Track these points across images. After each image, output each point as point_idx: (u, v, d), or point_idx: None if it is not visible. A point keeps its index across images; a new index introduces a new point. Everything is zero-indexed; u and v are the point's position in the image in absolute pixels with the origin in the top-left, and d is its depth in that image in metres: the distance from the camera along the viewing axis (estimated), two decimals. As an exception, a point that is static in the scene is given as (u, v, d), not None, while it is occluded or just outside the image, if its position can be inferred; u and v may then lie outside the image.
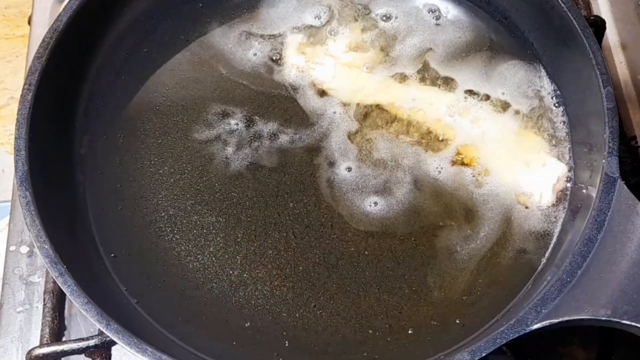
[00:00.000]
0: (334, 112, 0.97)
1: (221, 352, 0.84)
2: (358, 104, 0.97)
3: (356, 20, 1.05)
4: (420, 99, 0.98)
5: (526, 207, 0.91)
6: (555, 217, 0.90)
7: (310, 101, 0.99)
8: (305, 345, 0.84)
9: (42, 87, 0.88)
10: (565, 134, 0.95)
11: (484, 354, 0.73)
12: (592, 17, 1.08)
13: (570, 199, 0.90)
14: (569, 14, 0.90)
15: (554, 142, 0.95)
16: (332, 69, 1.01)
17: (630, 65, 1.13)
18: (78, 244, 0.88)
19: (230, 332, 0.85)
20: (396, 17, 1.05)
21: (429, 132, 0.95)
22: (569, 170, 0.92)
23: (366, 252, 0.89)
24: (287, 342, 0.84)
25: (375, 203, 0.91)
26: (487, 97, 0.98)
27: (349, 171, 0.93)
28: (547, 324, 0.74)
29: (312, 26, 1.05)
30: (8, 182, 1.07)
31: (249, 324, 0.86)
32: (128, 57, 1.03)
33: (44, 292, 0.94)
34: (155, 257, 0.90)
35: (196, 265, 0.89)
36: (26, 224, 0.80)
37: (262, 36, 1.04)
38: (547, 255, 0.87)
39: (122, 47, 1.02)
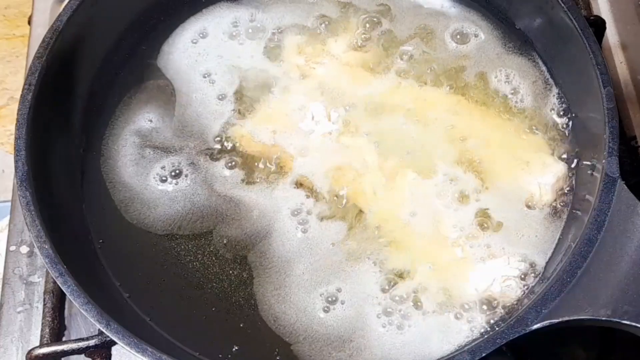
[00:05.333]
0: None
1: (221, 352, 0.84)
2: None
3: (357, 19, 1.05)
4: (421, 98, 0.98)
5: (526, 208, 0.91)
6: (555, 217, 0.90)
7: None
8: (304, 344, 0.84)
9: (42, 87, 0.88)
10: (565, 133, 0.95)
11: (484, 354, 0.73)
12: (592, 17, 1.08)
13: (570, 199, 0.90)
14: (569, 14, 0.90)
15: (553, 141, 0.95)
16: (333, 69, 1.01)
17: (630, 65, 1.13)
18: (78, 244, 0.88)
19: (230, 332, 0.85)
20: (396, 17, 1.05)
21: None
22: (569, 170, 0.92)
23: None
24: (286, 341, 0.84)
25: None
26: (488, 98, 0.98)
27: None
28: (547, 324, 0.74)
29: (313, 25, 1.04)
30: (8, 182, 1.07)
31: (248, 323, 0.86)
32: (128, 57, 1.03)
33: (44, 292, 0.94)
34: (155, 257, 0.90)
35: (196, 265, 0.89)
36: (26, 224, 0.80)
37: (262, 34, 1.04)
38: (547, 255, 0.87)
39: (122, 47, 1.02)
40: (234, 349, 0.84)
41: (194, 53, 1.03)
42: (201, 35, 1.04)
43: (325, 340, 0.84)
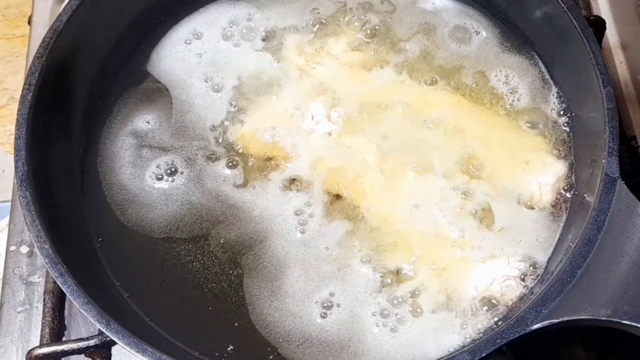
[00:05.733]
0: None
1: (220, 352, 0.84)
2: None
3: (357, 19, 1.05)
4: (421, 98, 0.98)
5: (526, 207, 0.91)
6: (555, 217, 0.90)
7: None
8: (302, 343, 0.84)
9: (42, 87, 0.88)
10: (565, 133, 0.95)
11: (484, 354, 0.73)
12: (592, 17, 1.08)
13: (570, 199, 0.90)
14: (569, 14, 0.90)
15: (553, 141, 0.95)
16: (333, 68, 1.01)
17: (630, 65, 1.13)
18: (78, 244, 0.88)
19: (229, 332, 0.85)
20: (396, 16, 1.05)
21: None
22: (569, 170, 0.92)
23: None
24: (284, 341, 0.84)
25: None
26: (488, 97, 0.98)
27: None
28: (547, 324, 0.74)
29: (312, 25, 1.04)
30: (8, 182, 1.07)
31: (248, 324, 0.85)
32: (128, 57, 1.03)
33: (44, 292, 0.94)
34: (155, 257, 0.90)
35: (196, 265, 0.89)
36: (26, 224, 0.80)
37: (261, 33, 1.04)
38: (547, 255, 0.87)
39: (122, 47, 1.02)
40: (229, 348, 0.84)
41: (190, 54, 1.03)
42: (196, 36, 1.04)
43: (323, 346, 0.84)
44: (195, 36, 1.04)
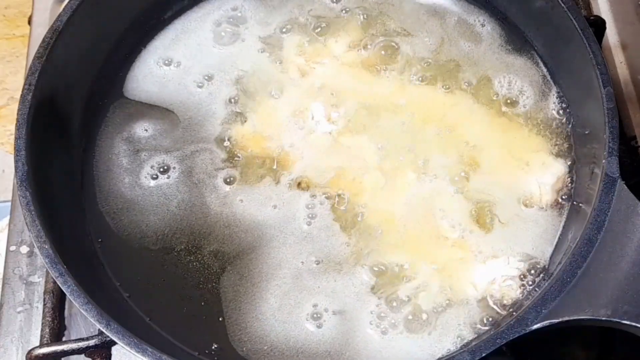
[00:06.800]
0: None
1: (220, 352, 0.84)
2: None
3: (357, 19, 1.05)
4: (421, 98, 0.98)
5: (526, 207, 0.91)
6: (555, 217, 0.90)
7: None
8: (300, 344, 0.84)
9: (42, 87, 0.88)
10: (565, 133, 0.95)
11: (484, 354, 0.73)
12: (592, 17, 1.08)
13: (570, 199, 0.91)
14: (569, 14, 0.90)
15: (553, 141, 0.95)
16: (333, 68, 1.01)
17: (630, 65, 1.13)
18: (78, 244, 0.88)
19: (229, 332, 0.85)
20: (397, 17, 1.05)
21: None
22: (569, 170, 0.92)
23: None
24: (282, 342, 0.84)
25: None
26: (488, 97, 0.98)
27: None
28: (547, 324, 0.74)
29: (313, 25, 1.04)
30: (8, 182, 1.07)
31: (248, 323, 0.86)
32: (128, 57, 1.03)
33: (44, 292, 0.94)
34: (155, 257, 0.90)
35: (196, 265, 0.89)
36: (26, 224, 0.80)
37: (261, 33, 1.04)
38: (547, 255, 0.87)
39: (122, 47, 1.02)
40: (232, 348, 0.84)
41: (187, 55, 1.03)
42: (193, 37, 1.04)
43: (321, 352, 0.84)
44: (192, 37, 1.04)
